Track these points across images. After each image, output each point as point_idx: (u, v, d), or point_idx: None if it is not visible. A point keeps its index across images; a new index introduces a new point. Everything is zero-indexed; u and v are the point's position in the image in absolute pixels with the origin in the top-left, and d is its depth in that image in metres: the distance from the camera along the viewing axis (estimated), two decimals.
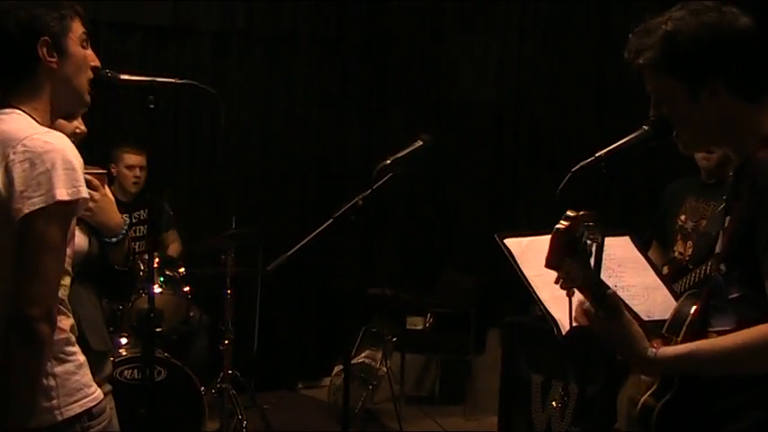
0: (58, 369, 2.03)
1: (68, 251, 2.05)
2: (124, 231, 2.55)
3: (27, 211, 1.90)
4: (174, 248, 5.58)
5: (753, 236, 1.81)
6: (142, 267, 4.07)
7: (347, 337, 6.08)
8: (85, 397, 2.08)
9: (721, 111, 1.89)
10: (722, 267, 1.92)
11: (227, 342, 4.97)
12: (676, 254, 3.90)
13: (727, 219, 1.96)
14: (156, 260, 4.83)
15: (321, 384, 6.55)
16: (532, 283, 2.42)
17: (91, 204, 2.34)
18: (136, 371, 4.29)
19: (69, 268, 2.09)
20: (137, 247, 4.67)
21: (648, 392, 2.03)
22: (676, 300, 2.21)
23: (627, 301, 1.96)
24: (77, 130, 2.66)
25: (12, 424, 1.93)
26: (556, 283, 1.91)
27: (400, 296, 6.37)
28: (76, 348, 2.11)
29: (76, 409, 2.05)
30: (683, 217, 3.90)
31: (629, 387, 3.81)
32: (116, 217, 2.51)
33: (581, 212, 1.82)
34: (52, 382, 2.01)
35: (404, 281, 6.66)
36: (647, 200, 4.98)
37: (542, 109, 6.01)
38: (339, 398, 5.34)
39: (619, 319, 1.88)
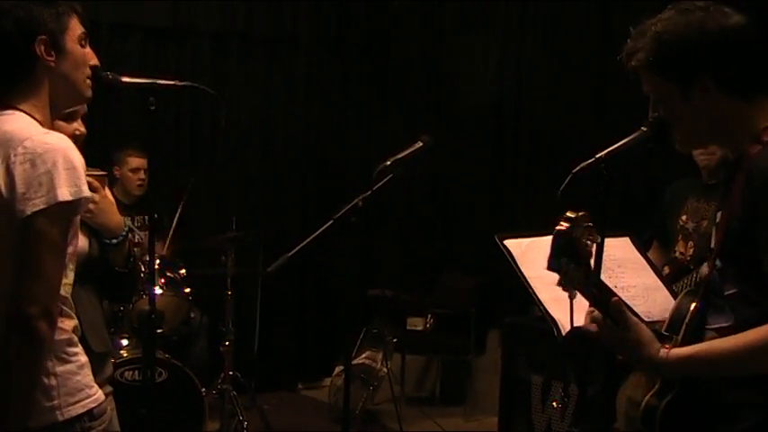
0: (60, 369, 2.03)
1: (71, 249, 2.05)
2: (124, 233, 2.56)
3: (29, 212, 1.91)
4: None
5: (749, 233, 1.81)
6: (143, 268, 4.07)
7: (347, 337, 6.09)
8: (87, 397, 2.08)
9: (713, 109, 1.90)
10: (717, 263, 1.93)
11: (227, 343, 4.97)
12: (677, 254, 3.90)
13: (719, 214, 1.96)
14: (157, 261, 4.83)
15: (321, 385, 6.55)
16: (532, 284, 2.41)
17: (91, 206, 2.34)
18: (137, 372, 4.29)
19: (72, 266, 2.09)
20: (137, 250, 4.67)
21: (651, 393, 2.03)
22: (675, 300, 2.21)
23: (627, 302, 1.96)
24: (77, 132, 2.66)
25: (11, 422, 1.93)
26: (558, 285, 1.91)
27: (400, 297, 6.38)
28: (79, 349, 2.12)
29: (77, 409, 2.05)
30: (684, 217, 3.90)
31: (629, 387, 3.81)
32: (116, 218, 2.51)
33: (580, 213, 1.82)
34: (53, 382, 2.02)
35: (404, 282, 6.67)
36: (647, 200, 4.98)
37: (542, 109, 6.01)
38: (339, 398, 5.34)
39: (626, 326, 1.88)
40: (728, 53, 1.87)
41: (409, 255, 6.93)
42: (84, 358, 2.12)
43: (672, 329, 2.02)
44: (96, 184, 2.40)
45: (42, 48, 2.05)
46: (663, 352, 1.87)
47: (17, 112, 2.04)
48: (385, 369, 5.74)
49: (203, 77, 5.99)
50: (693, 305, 2.02)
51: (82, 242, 2.39)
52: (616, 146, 1.96)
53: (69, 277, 2.08)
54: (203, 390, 4.64)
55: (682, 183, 4.04)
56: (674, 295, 2.42)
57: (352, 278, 6.68)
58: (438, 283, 6.51)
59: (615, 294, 1.90)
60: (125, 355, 4.41)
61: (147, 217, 5.29)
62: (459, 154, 6.45)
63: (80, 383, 2.08)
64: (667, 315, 2.08)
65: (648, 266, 2.56)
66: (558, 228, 1.82)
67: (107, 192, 2.49)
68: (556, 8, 5.90)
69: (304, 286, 6.75)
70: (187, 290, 5.05)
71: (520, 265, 2.46)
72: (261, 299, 6.29)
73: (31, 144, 1.94)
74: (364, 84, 7.02)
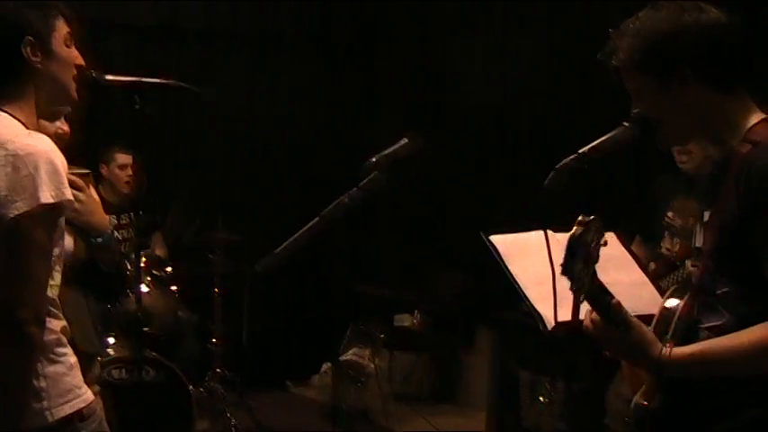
0: (49, 370, 2.03)
1: (57, 251, 2.05)
2: (110, 232, 2.55)
3: (12, 215, 1.91)
4: (159, 252, 5.56)
5: (746, 232, 1.82)
6: (129, 267, 4.06)
7: (336, 335, 6.09)
8: (76, 398, 2.08)
9: (693, 99, 1.92)
10: (709, 262, 1.93)
11: (215, 341, 4.97)
12: (664, 250, 3.91)
13: (707, 213, 1.97)
14: (144, 260, 4.82)
15: (310, 383, 6.55)
16: (519, 280, 2.43)
17: (76, 205, 2.33)
18: (124, 371, 4.28)
19: (59, 267, 2.09)
20: (123, 247, 4.66)
21: (640, 393, 2.03)
22: (662, 296, 2.22)
23: None
24: (60, 131, 2.66)
25: (3, 425, 1.93)
26: (570, 290, 1.90)
27: (388, 293, 6.38)
28: (68, 349, 2.12)
29: (67, 410, 2.05)
30: (670, 214, 3.91)
31: (618, 383, 3.82)
32: (102, 217, 2.51)
33: (592, 217, 1.83)
34: (43, 384, 2.02)
35: (392, 278, 6.67)
36: (633, 195, 5.00)
37: (529, 108, 6.02)
38: (328, 396, 5.36)
39: (627, 327, 1.89)
40: (705, 44, 1.90)
41: (397, 252, 6.94)
42: (73, 359, 2.12)
43: (660, 329, 2.03)
44: (80, 183, 2.40)
45: (29, 49, 2.05)
46: (665, 352, 1.87)
47: (1, 114, 2.03)
48: (373, 366, 5.75)
49: (188, 75, 5.98)
50: (682, 304, 2.03)
51: (67, 242, 2.38)
52: (598, 141, 1.97)
53: (56, 278, 2.08)
54: (192, 388, 4.64)
55: (667, 178, 4.03)
56: (660, 291, 2.44)
57: (340, 275, 6.68)
58: (426, 279, 6.52)
59: (613, 296, 1.90)
60: (112, 353, 4.40)
61: (133, 214, 5.28)
62: (447, 152, 6.45)
63: (69, 384, 2.08)
64: (654, 311, 2.08)
65: (634, 262, 2.57)
66: (572, 233, 1.83)
67: (92, 191, 2.49)
68: (542, 8, 5.91)
69: (292, 284, 6.74)
70: (174, 288, 5.04)
71: (506, 262, 2.48)
72: (249, 297, 6.28)
73: (14, 147, 1.94)
74: (349, 81, 7.00)
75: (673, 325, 2.00)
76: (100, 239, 2.52)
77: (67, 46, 2.13)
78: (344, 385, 5.55)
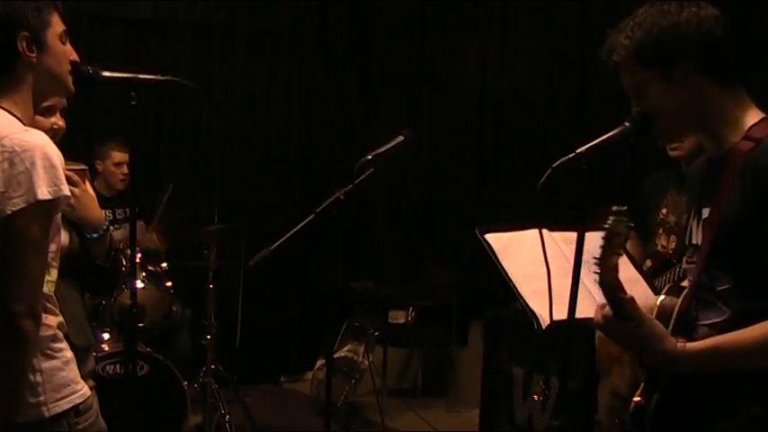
0: (45, 365, 2.04)
1: (53, 246, 2.05)
2: (105, 226, 2.55)
3: (9, 211, 1.91)
4: (154, 242, 5.55)
5: (749, 229, 1.83)
6: (124, 262, 4.06)
7: (330, 330, 6.09)
8: (73, 393, 2.09)
9: (694, 92, 1.93)
10: (707, 259, 1.94)
11: (209, 336, 4.97)
12: (659, 247, 3.91)
13: (706, 210, 1.97)
14: (138, 255, 4.82)
15: (304, 378, 6.56)
16: (513, 278, 2.43)
17: (72, 200, 2.33)
18: (118, 366, 4.29)
19: (56, 263, 2.09)
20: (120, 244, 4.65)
21: (637, 393, 2.04)
22: (655, 293, 2.22)
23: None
24: (55, 126, 2.65)
25: None
26: (598, 283, 1.92)
27: (382, 290, 6.38)
28: (64, 345, 2.12)
29: (63, 405, 2.06)
30: (664, 210, 3.90)
31: (612, 379, 3.83)
32: (97, 212, 2.51)
33: (624, 207, 1.84)
34: (39, 378, 2.02)
35: (386, 274, 6.67)
36: (628, 193, 5.00)
37: (524, 106, 6.02)
38: (322, 391, 5.36)
39: (639, 321, 1.90)
40: (707, 36, 1.92)
41: (391, 248, 6.94)
42: (69, 354, 2.12)
43: None
44: (76, 178, 2.40)
45: (24, 44, 2.05)
46: (680, 346, 1.88)
47: None
48: (367, 362, 5.76)
49: (185, 70, 5.98)
50: (679, 301, 2.03)
51: (63, 236, 2.38)
52: (597, 141, 1.97)
53: (52, 274, 2.08)
54: (185, 383, 4.64)
55: (661, 174, 4.02)
56: (654, 288, 2.44)
57: (334, 271, 6.68)
58: (420, 275, 6.53)
59: (625, 291, 1.91)
60: (106, 348, 4.40)
61: (128, 209, 5.27)
62: (441, 149, 6.47)
63: (66, 379, 2.08)
64: (646, 308, 2.08)
65: (628, 260, 2.57)
66: (609, 223, 1.85)
67: (87, 186, 2.48)
68: (537, 6, 5.91)
69: (286, 279, 6.75)
70: (168, 283, 5.04)
71: (501, 260, 2.48)
72: (243, 292, 6.29)
73: (10, 143, 1.94)
74: (347, 80, 7.01)
75: (672, 322, 2.01)
76: (95, 234, 2.53)
77: (62, 42, 2.13)
78: (338, 381, 5.55)
